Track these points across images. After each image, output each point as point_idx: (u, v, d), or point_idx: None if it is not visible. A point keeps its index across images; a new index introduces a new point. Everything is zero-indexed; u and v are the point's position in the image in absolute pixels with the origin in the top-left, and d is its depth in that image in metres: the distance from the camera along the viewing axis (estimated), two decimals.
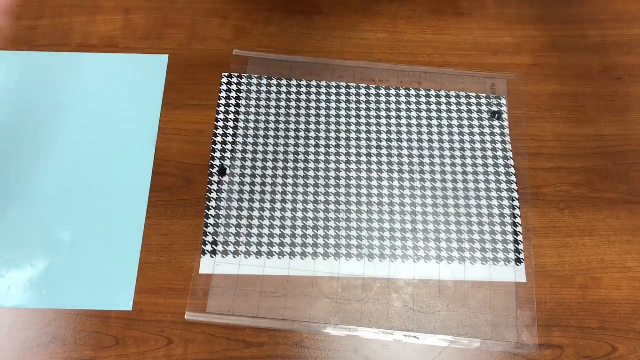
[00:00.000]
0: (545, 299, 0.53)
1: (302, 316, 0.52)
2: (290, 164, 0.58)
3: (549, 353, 0.51)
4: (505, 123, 0.61)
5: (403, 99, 0.62)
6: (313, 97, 0.62)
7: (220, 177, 0.57)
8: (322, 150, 0.59)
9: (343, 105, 0.61)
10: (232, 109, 0.61)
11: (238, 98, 0.61)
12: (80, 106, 0.61)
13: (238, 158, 0.58)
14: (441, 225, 0.56)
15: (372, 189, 0.57)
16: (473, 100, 0.62)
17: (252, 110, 0.61)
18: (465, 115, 0.61)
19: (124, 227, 0.55)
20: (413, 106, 0.61)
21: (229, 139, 0.59)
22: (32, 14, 0.65)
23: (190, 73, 0.63)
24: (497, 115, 0.61)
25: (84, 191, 0.57)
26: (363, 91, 0.62)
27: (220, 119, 0.60)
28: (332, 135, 0.60)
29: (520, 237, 0.55)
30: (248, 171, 0.58)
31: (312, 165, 0.58)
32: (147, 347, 0.51)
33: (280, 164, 0.58)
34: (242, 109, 0.61)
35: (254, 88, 0.62)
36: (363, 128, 0.60)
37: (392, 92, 0.62)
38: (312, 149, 0.59)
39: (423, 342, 0.51)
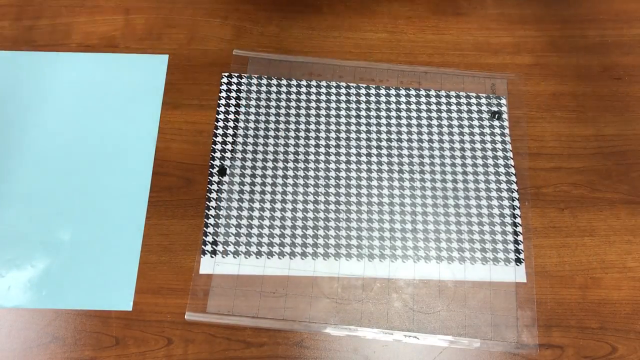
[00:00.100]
0: (545, 299, 0.53)
1: (302, 316, 0.52)
2: (290, 164, 0.58)
3: (549, 353, 0.51)
4: (505, 123, 0.61)
5: (403, 99, 0.62)
6: (313, 97, 0.62)
7: (220, 177, 0.57)
8: (322, 150, 0.59)
9: (343, 105, 0.61)
10: (232, 109, 0.61)
11: (238, 98, 0.61)
12: (81, 106, 0.61)
13: (238, 158, 0.58)
14: (441, 225, 0.56)
15: (372, 189, 0.57)
16: (473, 100, 0.62)
17: (252, 110, 0.61)
18: (465, 115, 0.61)
19: (124, 227, 0.55)
20: (413, 106, 0.61)
21: (229, 139, 0.59)
22: (32, 14, 0.65)
23: (190, 73, 0.63)
24: (497, 115, 0.61)
25: (84, 191, 0.57)
26: (363, 91, 0.62)
27: (220, 119, 0.60)
28: (332, 135, 0.60)
29: (520, 237, 0.55)
30: (248, 171, 0.58)
31: (312, 165, 0.58)
32: (147, 347, 0.51)
33: (280, 164, 0.58)
34: (242, 109, 0.61)
35: (254, 88, 0.62)
36: (363, 128, 0.60)
37: (392, 92, 0.62)
38: (312, 149, 0.59)
39: (423, 342, 0.51)
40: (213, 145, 0.59)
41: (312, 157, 0.59)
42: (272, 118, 0.60)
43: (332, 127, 0.60)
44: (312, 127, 0.60)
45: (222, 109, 0.61)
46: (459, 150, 0.59)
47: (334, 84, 0.62)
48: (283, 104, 0.61)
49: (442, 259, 0.54)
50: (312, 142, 0.59)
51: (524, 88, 0.63)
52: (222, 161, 0.58)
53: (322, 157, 0.59)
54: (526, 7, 0.67)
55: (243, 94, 0.62)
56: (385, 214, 0.56)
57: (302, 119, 0.60)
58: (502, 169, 0.58)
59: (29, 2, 0.66)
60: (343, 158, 0.59)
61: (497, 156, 0.59)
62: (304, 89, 0.62)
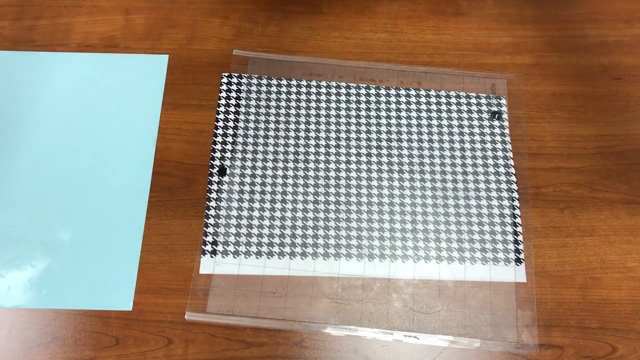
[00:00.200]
0: (545, 299, 0.53)
1: (302, 316, 0.52)
2: (290, 164, 0.58)
3: (549, 353, 0.51)
4: (505, 123, 0.61)
5: (403, 99, 0.62)
6: (313, 97, 0.62)
7: (220, 177, 0.57)
8: (322, 150, 0.59)
9: (343, 105, 0.61)
10: (232, 109, 0.61)
11: (238, 98, 0.61)
12: (81, 106, 0.61)
13: (238, 158, 0.58)
14: (441, 225, 0.56)
15: (372, 189, 0.57)
16: (473, 100, 0.62)
17: (252, 110, 0.61)
18: (465, 115, 0.61)
19: (124, 227, 0.55)
20: (413, 106, 0.61)
21: (229, 139, 0.59)
22: (31, 14, 0.65)
23: (190, 73, 0.63)
24: (497, 115, 0.61)
25: (84, 191, 0.57)
26: (363, 91, 0.62)
27: (220, 119, 0.60)
28: (332, 135, 0.60)
29: (520, 237, 0.55)
30: (248, 171, 0.58)
31: (312, 165, 0.58)
32: (147, 347, 0.51)
33: (280, 164, 0.58)
34: (242, 109, 0.61)
35: (254, 88, 0.62)
36: (363, 128, 0.60)
37: (392, 92, 0.62)
38: (312, 149, 0.59)
39: (423, 342, 0.51)
40: (213, 145, 0.59)
41: (312, 157, 0.59)
42: (272, 118, 0.60)
43: (332, 127, 0.60)
44: (312, 127, 0.60)
45: (222, 109, 0.61)
46: (459, 151, 0.59)
47: (334, 84, 0.62)
48: (283, 104, 0.61)
49: (442, 259, 0.54)
50: (312, 142, 0.59)
51: (524, 88, 0.63)
52: (222, 161, 0.58)
53: (322, 157, 0.59)
54: (526, 7, 0.67)
55: (243, 94, 0.62)
56: (385, 214, 0.56)
57: (302, 119, 0.60)
58: (502, 169, 0.58)
59: (29, 2, 0.66)
60: (343, 158, 0.59)
61: (497, 156, 0.59)
62: (304, 89, 0.62)
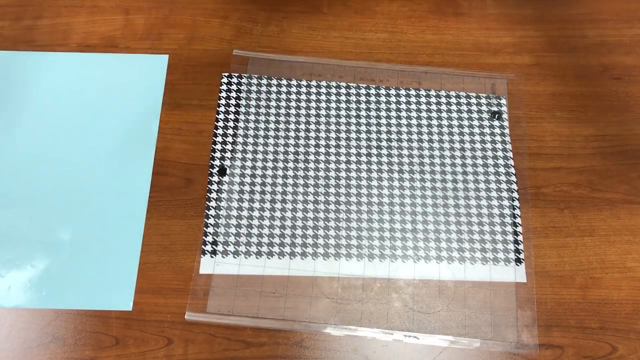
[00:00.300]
0: (545, 299, 0.53)
1: (302, 316, 0.52)
2: (290, 164, 0.58)
3: (549, 353, 0.51)
4: (505, 123, 0.61)
5: (403, 99, 0.62)
6: (313, 97, 0.62)
7: (220, 177, 0.57)
8: (322, 150, 0.59)
9: (343, 105, 0.61)
10: (232, 109, 0.61)
11: (238, 98, 0.61)
12: (81, 106, 0.61)
13: (238, 158, 0.58)
14: (441, 225, 0.56)
15: (372, 189, 0.57)
16: (473, 100, 0.62)
17: (252, 110, 0.61)
18: (465, 115, 0.61)
19: (124, 227, 0.55)
20: (413, 106, 0.61)
21: (229, 139, 0.59)
22: (31, 14, 0.65)
23: (190, 73, 0.63)
24: (497, 115, 0.61)
25: (84, 191, 0.57)
26: (363, 91, 0.62)
27: (220, 119, 0.60)
28: (332, 135, 0.60)
29: (520, 237, 0.55)
30: (248, 171, 0.58)
31: (312, 165, 0.58)
32: (147, 347, 0.51)
33: (280, 164, 0.58)
34: (242, 109, 0.61)
35: (254, 88, 0.62)
36: (363, 128, 0.60)
37: (392, 92, 0.62)
38: (312, 149, 0.59)
39: (423, 342, 0.51)
40: (213, 145, 0.59)
41: (312, 157, 0.59)
42: (272, 118, 0.60)
43: (332, 127, 0.60)
44: (312, 127, 0.60)
45: (222, 109, 0.61)
46: (459, 150, 0.59)
47: (334, 84, 0.62)
48: (283, 104, 0.61)
49: (442, 259, 0.54)
50: (312, 142, 0.59)
51: (524, 88, 0.63)
52: (222, 161, 0.58)
53: (322, 157, 0.59)
54: (526, 7, 0.67)
55: (243, 94, 0.62)
56: (385, 214, 0.56)
57: (302, 119, 0.60)
58: (502, 169, 0.58)
59: (29, 2, 0.66)
60: (343, 158, 0.59)
61: (497, 156, 0.59)
62: (304, 89, 0.62)
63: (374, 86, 0.62)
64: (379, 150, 0.59)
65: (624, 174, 0.58)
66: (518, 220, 0.56)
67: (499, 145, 0.59)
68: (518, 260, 0.54)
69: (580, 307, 0.53)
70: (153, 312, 0.52)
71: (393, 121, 0.61)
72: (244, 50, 0.64)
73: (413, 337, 0.51)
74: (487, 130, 0.60)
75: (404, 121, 0.61)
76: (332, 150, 0.59)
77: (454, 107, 0.61)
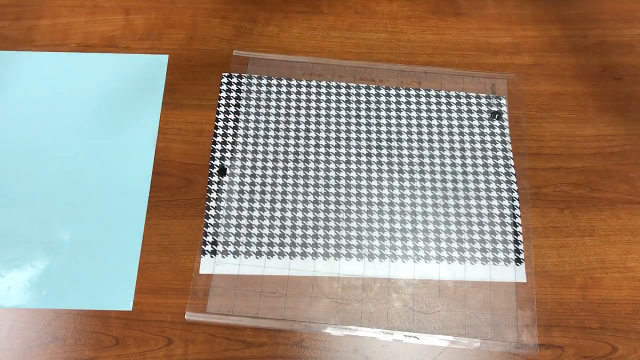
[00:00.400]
0: (545, 299, 0.53)
1: (302, 316, 0.52)
2: (290, 164, 0.58)
3: (549, 353, 0.51)
4: (505, 123, 0.61)
5: (403, 99, 0.62)
6: (313, 97, 0.62)
7: (220, 177, 0.57)
8: (322, 150, 0.59)
9: (343, 105, 0.61)
10: (232, 109, 0.61)
11: (238, 98, 0.61)
12: (80, 106, 0.61)
13: (238, 158, 0.58)
14: (441, 225, 0.56)
15: (372, 189, 0.57)
16: (473, 100, 0.62)
17: (252, 110, 0.61)
18: (465, 115, 0.61)
19: (124, 227, 0.55)
20: (413, 106, 0.61)
21: (229, 139, 0.59)
22: (32, 14, 0.65)
23: (190, 73, 0.63)
24: (497, 115, 0.61)
25: (84, 191, 0.57)
26: (363, 91, 0.62)
27: (220, 119, 0.60)
28: (332, 135, 0.60)
29: (520, 237, 0.55)
30: (248, 171, 0.58)
31: (312, 165, 0.58)
32: (147, 347, 0.51)
33: (280, 164, 0.58)
34: (242, 109, 0.61)
35: (254, 88, 0.62)
36: (363, 128, 0.60)
37: (392, 92, 0.62)
38: (312, 149, 0.59)
39: (423, 342, 0.51)
40: (213, 145, 0.59)
41: (312, 157, 0.59)
42: (272, 118, 0.60)
43: (332, 127, 0.60)
44: (312, 127, 0.60)
45: (222, 109, 0.61)
46: (459, 150, 0.59)
47: (334, 84, 0.62)
48: (283, 104, 0.61)
49: (442, 259, 0.54)
50: (312, 142, 0.59)
51: (524, 88, 0.63)
52: (222, 161, 0.58)
53: (322, 157, 0.59)
54: (526, 7, 0.67)
55: (243, 94, 0.62)
56: (385, 214, 0.56)
57: (302, 119, 0.60)
58: (502, 169, 0.58)
59: (29, 2, 0.66)
60: (343, 158, 0.59)
61: (497, 156, 0.59)
62: (304, 89, 0.62)
63: (374, 86, 0.62)
64: (379, 150, 0.59)
65: (624, 174, 0.58)
66: (518, 220, 0.56)
67: (499, 145, 0.59)
68: (518, 260, 0.54)
69: (580, 307, 0.53)
70: (153, 312, 0.52)
71: (393, 121, 0.61)
72: (244, 50, 0.64)
73: (413, 337, 0.51)
74: (487, 130, 0.60)
75: (404, 121, 0.61)
76: (332, 150, 0.59)
77: (454, 107, 0.61)
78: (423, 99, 0.62)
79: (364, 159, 0.59)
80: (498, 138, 0.60)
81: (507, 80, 0.63)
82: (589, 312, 0.53)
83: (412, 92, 0.62)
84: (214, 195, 0.56)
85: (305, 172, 0.58)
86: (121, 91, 0.61)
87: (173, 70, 0.63)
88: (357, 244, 0.55)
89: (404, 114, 0.61)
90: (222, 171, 0.58)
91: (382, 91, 0.62)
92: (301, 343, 0.51)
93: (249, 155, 0.58)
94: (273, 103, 0.61)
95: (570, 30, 0.66)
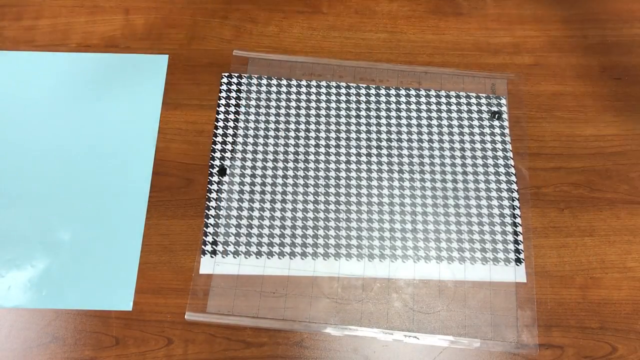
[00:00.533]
0: (545, 299, 0.53)
1: (302, 316, 0.52)
2: (290, 164, 0.58)
3: (549, 353, 0.51)
4: (505, 123, 0.61)
5: (403, 99, 0.62)
6: (313, 97, 0.62)
7: (220, 177, 0.57)
8: (322, 150, 0.59)
9: (343, 105, 0.61)
10: (232, 109, 0.61)
11: (238, 98, 0.61)
12: (80, 106, 0.61)
13: (238, 158, 0.58)
14: (441, 225, 0.56)
15: (372, 189, 0.57)
16: (473, 100, 0.62)
17: (252, 110, 0.61)
18: (465, 115, 0.61)
19: (124, 227, 0.55)
20: (413, 106, 0.61)
21: (229, 139, 0.59)
22: (32, 14, 0.65)
23: (190, 73, 0.63)
24: (497, 115, 0.61)
25: (84, 191, 0.57)
26: (363, 91, 0.62)
27: (220, 119, 0.60)
28: (332, 135, 0.60)
29: (520, 237, 0.55)
30: (248, 171, 0.58)
31: (312, 165, 0.58)
32: (147, 347, 0.51)
33: (280, 164, 0.58)
34: (242, 109, 0.61)
35: (254, 88, 0.62)
36: (363, 128, 0.60)
37: (392, 92, 0.62)
38: (312, 149, 0.59)
39: (423, 342, 0.51)
40: (213, 145, 0.59)
41: (312, 157, 0.59)
42: (272, 118, 0.60)
43: (332, 127, 0.60)
44: (312, 127, 0.60)
45: (222, 109, 0.61)
46: (459, 150, 0.59)
47: (334, 84, 0.62)
48: (283, 104, 0.61)
49: (442, 259, 0.54)
50: (312, 142, 0.59)
51: (524, 88, 0.63)
52: (222, 161, 0.58)
53: (322, 157, 0.59)
54: (526, 7, 0.67)
55: (243, 94, 0.62)
56: (385, 214, 0.56)
57: (302, 119, 0.60)
58: (502, 169, 0.58)
59: (29, 2, 0.66)
60: (343, 158, 0.59)
61: (497, 156, 0.59)
62: (304, 89, 0.62)
63: (374, 86, 0.62)
64: (379, 150, 0.59)
65: (624, 174, 0.58)
66: (518, 220, 0.56)
67: (499, 145, 0.59)
68: (518, 260, 0.54)
69: (580, 307, 0.53)
70: (153, 312, 0.52)
71: (393, 121, 0.61)
72: (244, 50, 0.64)
73: (413, 337, 0.51)
74: (487, 130, 0.60)
75: (404, 121, 0.61)
76: (332, 150, 0.59)
77: (454, 107, 0.61)
78: (423, 99, 0.62)
79: (364, 159, 0.59)
80: (498, 138, 0.60)
81: (507, 80, 0.63)
82: (589, 312, 0.53)
83: (412, 92, 0.62)
84: (214, 195, 0.56)
85: (305, 172, 0.58)
86: (121, 91, 0.61)
87: (173, 70, 0.63)
88: (357, 244, 0.55)
89: (404, 114, 0.61)
90: (222, 171, 0.58)
91: (382, 91, 0.62)
92: (301, 343, 0.51)
93: (249, 155, 0.58)
94: (273, 103, 0.61)
95: (570, 30, 0.66)
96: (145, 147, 0.59)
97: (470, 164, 0.59)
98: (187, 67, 0.63)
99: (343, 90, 0.62)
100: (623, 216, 0.57)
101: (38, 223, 0.55)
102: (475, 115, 0.61)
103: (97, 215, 0.56)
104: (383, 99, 0.62)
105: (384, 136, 0.60)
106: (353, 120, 0.61)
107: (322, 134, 0.60)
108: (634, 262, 0.55)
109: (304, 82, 0.62)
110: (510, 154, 0.59)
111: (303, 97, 0.62)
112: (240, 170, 0.58)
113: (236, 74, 0.62)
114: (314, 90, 0.62)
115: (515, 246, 0.55)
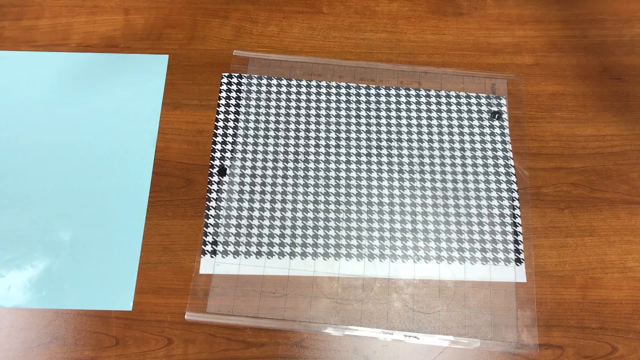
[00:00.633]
0: (545, 299, 0.53)
1: (302, 316, 0.52)
2: (290, 164, 0.58)
3: (549, 353, 0.51)
4: (505, 123, 0.61)
5: (403, 99, 0.62)
6: (313, 97, 0.62)
7: (220, 177, 0.57)
8: (322, 150, 0.59)
9: (343, 105, 0.61)
10: (232, 109, 0.61)
11: (238, 98, 0.61)
12: (80, 106, 0.61)
13: (238, 158, 0.58)
14: (441, 225, 0.56)
15: (372, 189, 0.57)
16: (473, 101, 0.62)
17: (252, 110, 0.61)
18: (465, 115, 0.61)
19: (124, 227, 0.55)
20: (413, 106, 0.61)
21: (229, 139, 0.59)
22: (32, 14, 0.65)
23: (190, 73, 0.63)
24: (497, 115, 0.61)
25: (84, 191, 0.57)
26: (363, 91, 0.62)
27: (220, 119, 0.60)
28: (332, 135, 0.60)
29: (520, 237, 0.55)
30: (248, 171, 0.58)
31: (312, 165, 0.58)
32: (147, 347, 0.51)
33: (280, 164, 0.58)
34: (242, 109, 0.61)
35: (254, 88, 0.62)
36: (363, 128, 0.60)
37: (392, 92, 0.62)
38: (312, 149, 0.59)
39: (423, 342, 0.51)
40: (213, 145, 0.59)
41: (312, 157, 0.59)
42: (272, 118, 0.60)
43: (332, 127, 0.60)
44: (312, 127, 0.60)
45: (222, 109, 0.61)
46: (459, 150, 0.59)
47: (334, 84, 0.62)
48: (283, 104, 0.61)
49: (442, 259, 0.54)
50: (312, 142, 0.59)
51: (524, 88, 0.63)
52: (222, 161, 0.58)
53: (322, 157, 0.59)
54: (526, 7, 0.67)
55: (243, 94, 0.62)
56: (385, 214, 0.56)
57: (302, 119, 0.60)
58: (502, 169, 0.58)
59: (29, 2, 0.66)
60: (343, 158, 0.59)
61: (497, 156, 0.59)
62: (304, 89, 0.62)
63: (374, 86, 0.62)
64: (379, 150, 0.59)
65: (624, 174, 0.58)
66: (518, 220, 0.56)
67: (499, 145, 0.59)
68: (518, 260, 0.54)
69: (580, 307, 0.53)
70: (153, 312, 0.52)
71: (393, 121, 0.61)
72: (244, 50, 0.64)
73: (413, 337, 0.51)
74: (487, 130, 0.60)
75: (404, 121, 0.61)
76: (332, 150, 0.59)
77: (454, 107, 0.61)
78: (423, 99, 0.62)
79: (364, 159, 0.59)
80: (498, 138, 0.60)
81: (507, 81, 0.63)
82: (589, 312, 0.53)
83: (412, 92, 0.62)
84: (214, 195, 0.56)
85: (305, 172, 0.58)
86: (121, 91, 0.61)
87: (173, 70, 0.63)
88: (357, 244, 0.55)
89: (404, 114, 0.61)
90: (222, 171, 0.58)
91: (382, 91, 0.62)
92: (301, 343, 0.51)
93: (249, 155, 0.58)
94: (273, 103, 0.61)
95: (570, 30, 0.66)
96: (145, 147, 0.59)
97: (470, 164, 0.59)
98: (187, 67, 0.63)
99: (343, 90, 0.62)
100: (623, 216, 0.57)
101: (38, 223, 0.55)
102: (475, 115, 0.61)
103: (97, 215, 0.56)
104: (383, 99, 0.62)
105: (384, 136, 0.60)
106: (353, 120, 0.61)
107: (322, 134, 0.60)
108: (634, 262, 0.55)
109: (304, 82, 0.62)
110: (510, 154, 0.59)
111: (303, 97, 0.62)
112: (240, 170, 0.58)
113: (236, 74, 0.62)
114: (314, 90, 0.62)
115: (515, 246, 0.55)
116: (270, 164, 0.58)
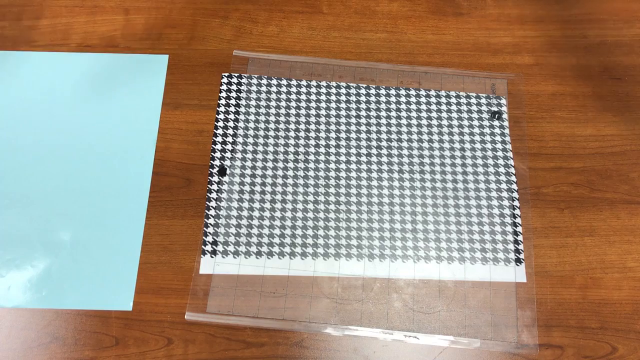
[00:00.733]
0: (545, 299, 0.53)
1: (302, 316, 0.52)
2: (290, 164, 0.58)
3: (549, 353, 0.51)
4: (505, 123, 0.61)
5: (403, 99, 0.62)
6: (313, 97, 0.62)
7: (220, 177, 0.57)
8: (322, 150, 0.59)
9: (343, 105, 0.61)
10: (232, 109, 0.61)
11: (238, 98, 0.61)
12: (80, 106, 0.61)
13: (238, 158, 0.58)
14: (441, 225, 0.56)
15: (372, 189, 0.57)
16: (473, 101, 0.62)
17: (252, 110, 0.61)
18: (465, 115, 0.61)
19: (124, 227, 0.55)
20: (413, 106, 0.61)
21: (229, 139, 0.59)
22: (32, 14, 0.65)
23: (190, 73, 0.63)
24: (497, 115, 0.61)
25: (84, 191, 0.57)
26: (363, 91, 0.62)
27: (220, 119, 0.60)
28: (332, 135, 0.60)
29: (520, 237, 0.55)
30: (248, 171, 0.58)
31: (312, 165, 0.58)
32: (147, 347, 0.51)
33: (280, 164, 0.58)
34: (242, 109, 0.61)
35: (254, 88, 0.62)
36: (363, 128, 0.60)
37: (392, 92, 0.62)
38: (312, 149, 0.59)
39: (423, 342, 0.51)
40: (213, 145, 0.59)
41: (312, 157, 0.59)
42: (272, 118, 0.60)
43: (332, 127, 0.60)
44: (312, 127, 0.60)
45: (222, 109, 0.61)
46: (459, 150, 0.59)
47: (334, 84, 0.62)
48: (283, 104, 0.61)
49: (442, 259, 0.54)
50: (312, 142, 0.59)
51: (524, 88, 0.63)
52: (222, 161, 0.58)
53: (322, 157, 0.59)
54: (526, 7, 0.67)
55: (243, 94, 0.62)
56: (385, 214, 0.56)
57: (302, 119, 0.60)
58: (502, 169, 0.58)
59: (29, 2, 0.66)
60: (343, 158, 0.59)
61: (497, 156, 0.59)
62: (304, 89, 0.62)
63: (374, 86, 0.62)
64: (379, 150, 0.59)
65: (624, 174, 0.58)
66: (518, 220, 0.56)
67: (499, 145, 0.59)
68: (518, 260, 0.54)
69: (580, 307, 0.53)
70: (153, 312, 0.52)
71: (393, 121, 0.61)
72: (244, 50, 0.64)
73: (413, 337, 0.51)
74: (487, 130, 0.60)
75: (404, 121, 0.61)
76: (332, 150, 0.59)
77: (454, 107, 0.61)
78: (423, 99, 0.62)
79: (364, 159, 0.59)
80: (498, 138, 0.60)
81: (507, 81, 0.63)
82: (589, 312, 0.53)
83: (412, 92, 0.62)
84: (214, 195, 0.56)
85: (305, 172, 0.58)
86: (121, 91, 0.61)
87: (173, 70, 0.63)
88: (357, 244, 0.55)
89: (404, 114, 0.61)
90: (222, 171, 0.58)
91: (382, 91, 0.62)
92: (301, 343, 0.51)
93: (249, 155, 0.58)
94: (273, 103, 0.61)
95: (570, 30, 0.66)
96: (145, 147, 0.59)
97: (470, 164, 0.59)
98: (187, 67, 0.63)
99: (343, 90, 0.62)
100: (623, 216, 0.57)
101: (38, 223, 0.55)
102: (475, 115, 0.61)
103: (97, 215, 0.56)
104: (383, 99, 0.62)
105: (384, 136, 0.60)
106: (353, 120, 0.61)
107: (322, 134, 0.60)
108: (634, 262, 0.55)
109: (304, 82, 0.62)
110: (510, 154, 0.59)
111: (303, 97, 0.62)
112: (240, 170, 0.58)
113: (236, 74, 0.62)
114: (314, 90, 0.62)
115: (515, 246, 0.55)
116: (270, 164, 0.58)
